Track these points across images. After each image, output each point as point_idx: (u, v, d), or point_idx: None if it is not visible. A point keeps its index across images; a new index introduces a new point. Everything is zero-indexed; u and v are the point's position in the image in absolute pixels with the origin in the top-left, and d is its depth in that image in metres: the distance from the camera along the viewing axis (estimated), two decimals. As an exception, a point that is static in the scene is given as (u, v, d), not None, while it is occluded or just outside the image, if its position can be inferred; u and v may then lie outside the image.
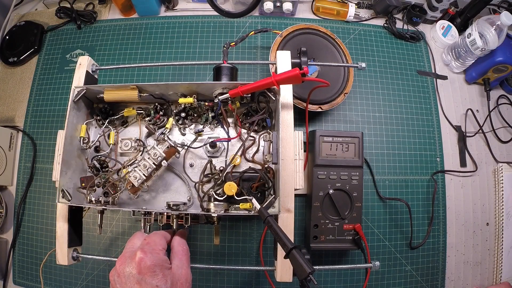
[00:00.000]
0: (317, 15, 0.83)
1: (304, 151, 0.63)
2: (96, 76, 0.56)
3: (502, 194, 0.73)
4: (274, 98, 0.48)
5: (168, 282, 0.37)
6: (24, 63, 0.83)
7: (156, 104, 0.53)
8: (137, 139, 0.53)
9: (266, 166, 0.50)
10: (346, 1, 0.83)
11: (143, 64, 0.77)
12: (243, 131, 0.53)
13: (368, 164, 0.71)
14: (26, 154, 0.76)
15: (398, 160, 0.73)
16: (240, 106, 0.52)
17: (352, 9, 0.80)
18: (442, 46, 0.82)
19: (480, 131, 0.77)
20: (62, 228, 0.48)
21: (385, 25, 0.83)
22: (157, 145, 0.47)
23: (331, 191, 0.60)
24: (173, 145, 0.48)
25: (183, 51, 0.79)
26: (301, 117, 0.70)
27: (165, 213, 0.48)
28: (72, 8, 0.84)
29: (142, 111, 0.54)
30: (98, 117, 0.54)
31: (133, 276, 0.36)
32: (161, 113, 0.53)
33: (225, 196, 0.46)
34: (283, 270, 0.45)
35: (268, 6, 0.78)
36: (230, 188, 0.45)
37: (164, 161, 0.47)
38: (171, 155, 0.49)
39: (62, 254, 0.47)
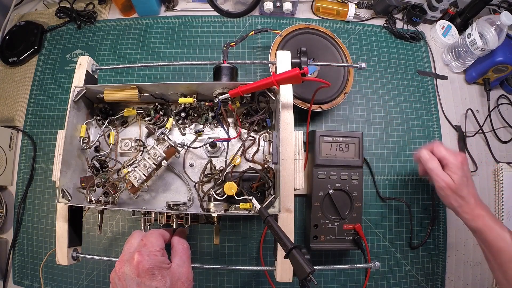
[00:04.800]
0: (317, 15, 0.83)
1: (304, 151, 0.63)
2: (96, 76, 0.56)
3: (502, 194, 0.73)
4: (274, 98, 0.48)
5: (168, 282, 0.37)
6: (24, 63, 0.83)
7: (156, 104, 0.53)
8: (137, 139, 0.53)
9: (266, 166, 0.50)
10: (346, 1, 0.82)
11: (143, 64, 0.77)
12: (243, 131, 0.53)
13: (368, 164, 0.71)
14: (26, 154, 0.76)
15: (398, 160, 0.73)
16: (240, 106, 0.52)
17: (352, 9, 0.80)
18: (442, 46, 0.82)
19: (480, 131, 0.77)
20: (62, 228, 0.48)
21: (385, 25, 0.83)
22: (157, 145, 0.47)
23: (331, 191, 0.60)
24: (173, 145, 0.48)
25: (183, 51, 0.79)
26: (301, 117, 0.70)
27: (165, 213, 0.48)
28: (72, 8, 0.84)
29: (142, 111, 0.54)
30: (98, 117, 0.54)
31: (133, 279, 0.36)
32: (161, 113, 0.53)
33: (225, 196, 0.46)
34: (283, 270, 0.45)
35: (268, 6, 0.78)
36: (230, 188, 0.45)
37: (164, 161, 0.47)
38: (171, 155, 0.49)
39: (62, 254, 0.47)
